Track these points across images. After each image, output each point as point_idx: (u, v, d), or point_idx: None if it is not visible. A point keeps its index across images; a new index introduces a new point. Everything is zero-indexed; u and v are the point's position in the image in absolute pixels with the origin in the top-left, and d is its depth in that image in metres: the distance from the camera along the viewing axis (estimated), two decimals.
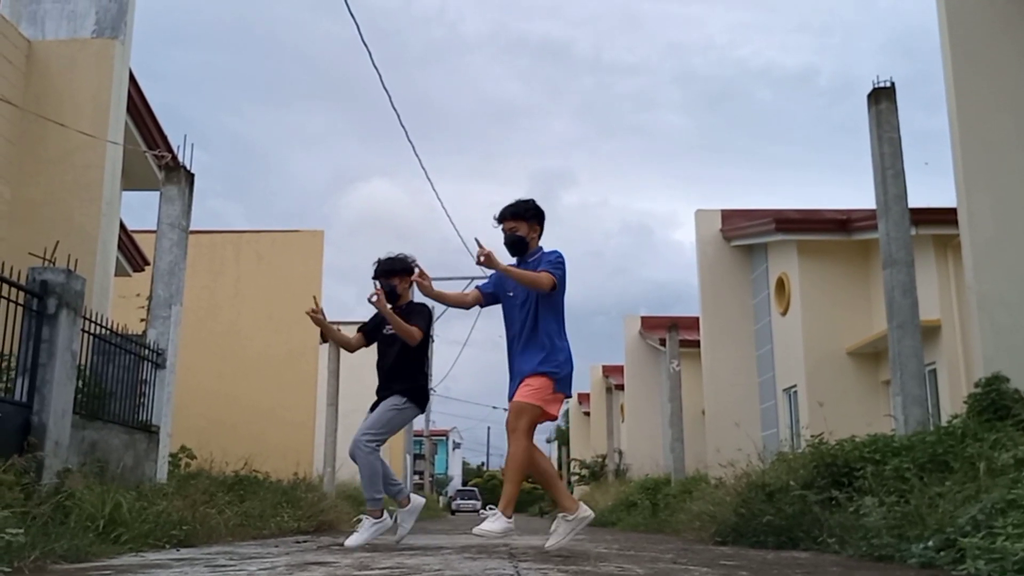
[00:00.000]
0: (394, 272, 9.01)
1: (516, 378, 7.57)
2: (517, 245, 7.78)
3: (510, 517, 7.30)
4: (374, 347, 9.31)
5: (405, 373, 9.01)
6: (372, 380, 9.09)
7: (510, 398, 7.57)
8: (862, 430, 10.35)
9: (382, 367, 9.15)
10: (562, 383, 7.53)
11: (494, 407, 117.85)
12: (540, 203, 7.89)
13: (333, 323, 9.63)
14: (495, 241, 7.81)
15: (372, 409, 8.98)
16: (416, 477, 53.19)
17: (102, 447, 9.75)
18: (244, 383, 24.26)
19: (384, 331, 9.06)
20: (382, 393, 9.03)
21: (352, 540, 8.50)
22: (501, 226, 7.82)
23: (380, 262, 9.11)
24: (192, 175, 12.65)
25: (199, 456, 14.19)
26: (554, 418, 7.64)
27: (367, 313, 9.71)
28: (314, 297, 9.21)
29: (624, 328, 36.35)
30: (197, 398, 20.59)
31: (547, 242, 7.97)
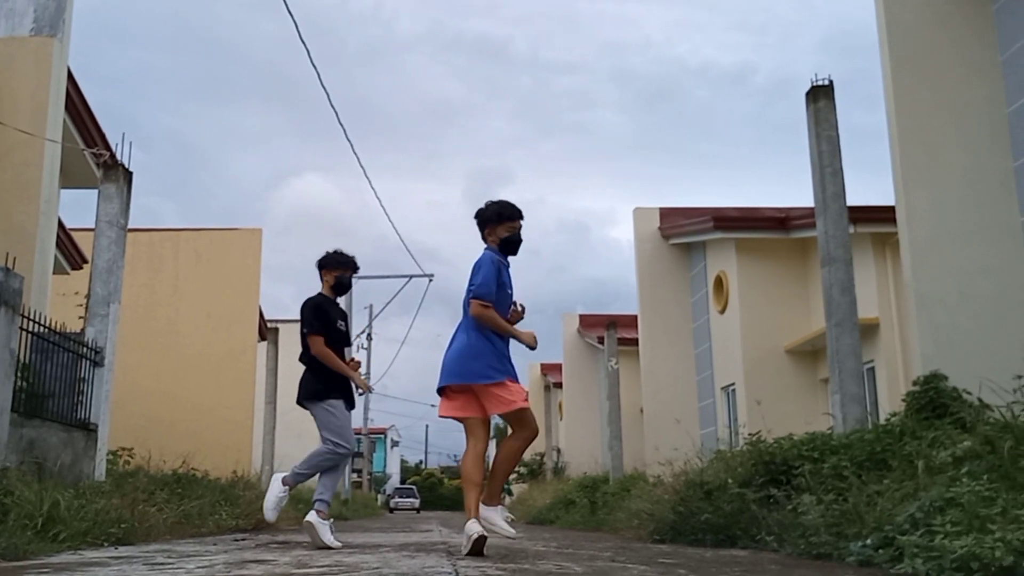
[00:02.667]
0: (337, 264, 8.88)
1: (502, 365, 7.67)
2: (519, 245, 7.70)
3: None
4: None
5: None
6: None
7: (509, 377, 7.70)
8: (800, 428, 10.45)
9: None
10: None
11: (432, 405, 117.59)
12: (473, 203, 7.76)
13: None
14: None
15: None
16: (354, 475, 52.91)
17: (40, 445, 9.67)
18: (183, 381, 24.17)
19: (337, 326, 8.88)
20: None
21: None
22: (519, 223, 7.60)
23: (329, 254, 8.96)
24: (130, 173, 12.57)
25: (137, 454, 14.10)
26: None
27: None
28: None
29: (562, 326, 36.49)
30: (135, 396, 20.47)
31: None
